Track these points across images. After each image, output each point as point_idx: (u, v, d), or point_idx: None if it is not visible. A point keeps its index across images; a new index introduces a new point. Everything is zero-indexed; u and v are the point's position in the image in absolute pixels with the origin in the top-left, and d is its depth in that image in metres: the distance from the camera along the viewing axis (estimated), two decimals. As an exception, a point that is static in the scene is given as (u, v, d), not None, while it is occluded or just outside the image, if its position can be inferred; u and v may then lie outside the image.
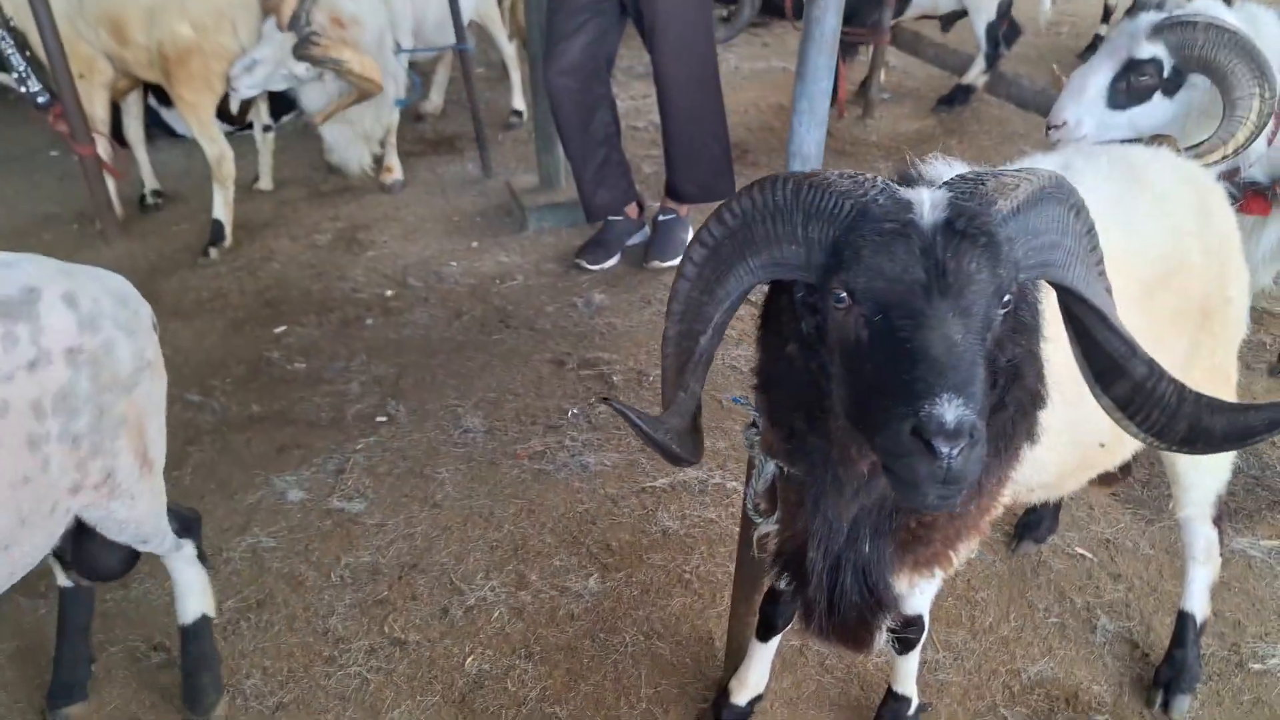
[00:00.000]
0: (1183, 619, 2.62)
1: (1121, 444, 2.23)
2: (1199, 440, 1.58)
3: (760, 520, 2.10)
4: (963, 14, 6.85)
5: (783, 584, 2.05)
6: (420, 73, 6.55)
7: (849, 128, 6.74)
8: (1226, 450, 1.57)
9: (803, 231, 1.47)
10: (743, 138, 6.55)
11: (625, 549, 3.19)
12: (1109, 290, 1.62)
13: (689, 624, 2.91)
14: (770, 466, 1.95)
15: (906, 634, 2.36)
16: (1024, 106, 6.31)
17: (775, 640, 2.53)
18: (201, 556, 2.58)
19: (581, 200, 4.92)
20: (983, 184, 1.47)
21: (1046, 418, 1.78)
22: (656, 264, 4.92)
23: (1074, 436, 2.05)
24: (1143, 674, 2.70)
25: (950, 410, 1.27)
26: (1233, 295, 2.29)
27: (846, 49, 6.66)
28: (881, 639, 1.94)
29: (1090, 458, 2.21)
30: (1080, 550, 3.12)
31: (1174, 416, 1.58)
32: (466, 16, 6.03)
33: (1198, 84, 2.93)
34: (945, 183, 1.50)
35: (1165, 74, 2.93)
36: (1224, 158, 2.78)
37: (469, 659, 2.81)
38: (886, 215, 1.41)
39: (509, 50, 6.89)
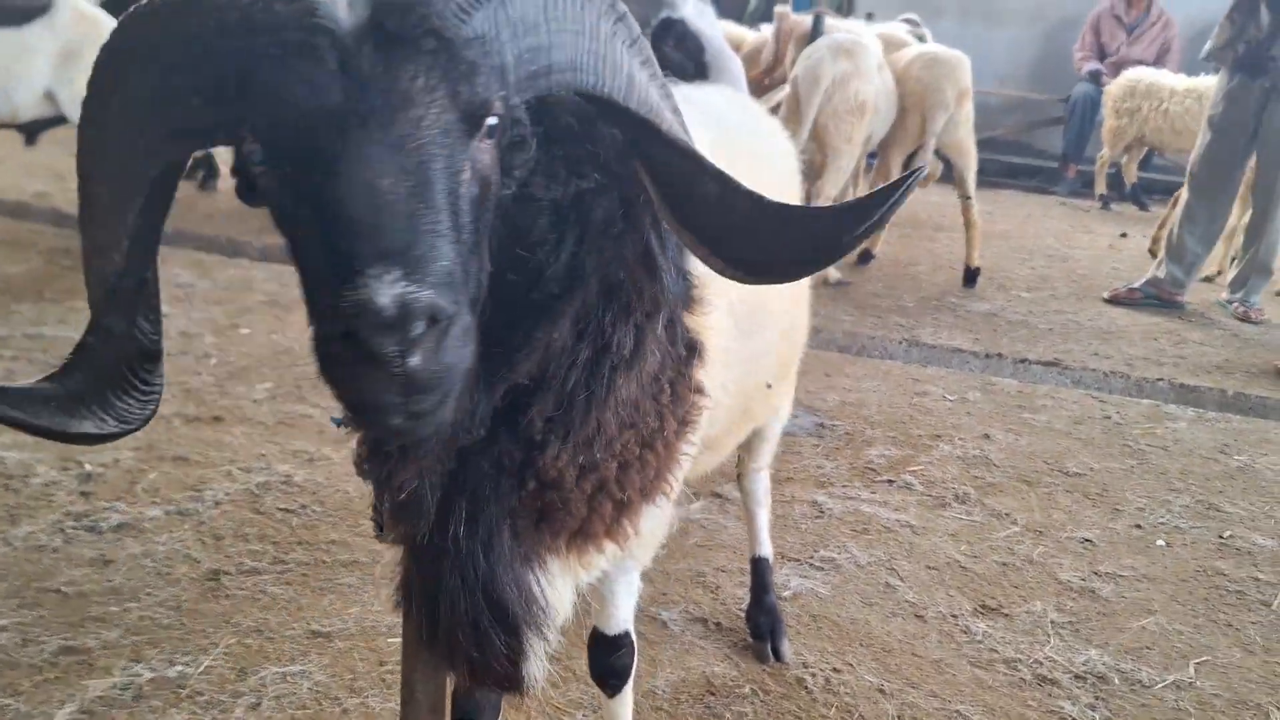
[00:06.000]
0: (758, 566, 2.67)
1: (779, 386, 2.21)
2: (787, 261, 1.31)
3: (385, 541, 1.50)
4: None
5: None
6: None
7: None
8: (817, 268, 1.35)
9: (194, 78, 1.04)
10: None
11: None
12: (667, 95, 1.29)
13: None
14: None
15: (616, 660, 1.93)
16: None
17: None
18: None
19: None
20: None
21: (722, 346, 1.60)
22: None
23: (746, 371, 1.93)
24: (731, 639, 2.67)
25: (383, 288, 0.91)
26: None
27: None
28: (537, 668, 1.46)
29: (753, 405, 2.11)
30: (586, 571, 2.96)
31: (754, 237, 1.28)
32: None
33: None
34: None
35: None
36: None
37: None
38: (285, 22, 1.02)
39: None
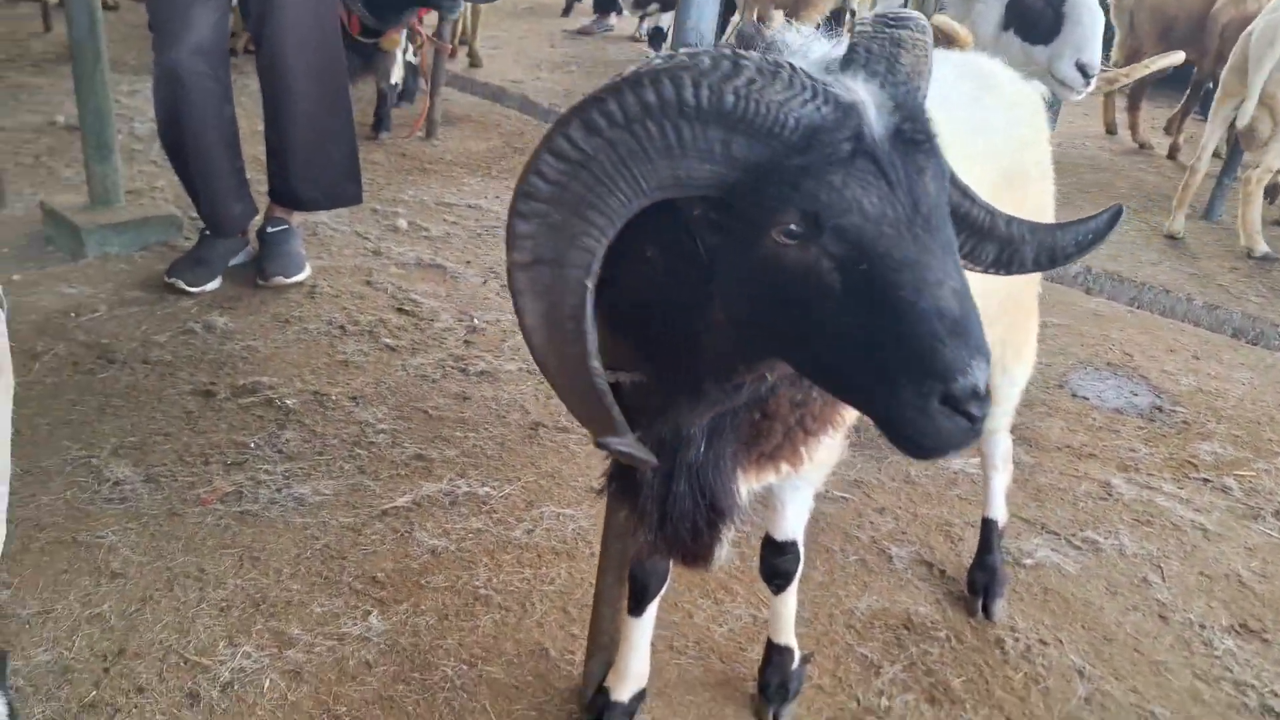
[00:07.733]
0: (987, 525, 2.75)
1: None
2: (1012, 262, 1.51)
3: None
4: None
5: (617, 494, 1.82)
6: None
7: (420, 149, 6.42)
8: (1036, 270, 1.58)
9: (722, 148, 1.18)
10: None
11: (396, 578, 2.61)
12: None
13: (511, 640, 2.45)
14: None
15: (781, 563, 2.20)
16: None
17: (652, 612, 2.21)
18: None
19: (210, 213, 4.11)
20: (898, 60, 1.24)
21: None
22: (280, 280, 4.22)
23: None
24: (949, 588, 2.80)
25: (980, 375, 1.14)
26: (1050, 217, 2.45)
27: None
28: (723, 551, 1.74)
29: None
30: (839, 493, 3.20)
31: (983, 238, 1.49)
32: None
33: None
34: (857, 63, 1.24)
35: None
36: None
37: (257, 745, 2.08)
38: (838, 131, 1.16)
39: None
